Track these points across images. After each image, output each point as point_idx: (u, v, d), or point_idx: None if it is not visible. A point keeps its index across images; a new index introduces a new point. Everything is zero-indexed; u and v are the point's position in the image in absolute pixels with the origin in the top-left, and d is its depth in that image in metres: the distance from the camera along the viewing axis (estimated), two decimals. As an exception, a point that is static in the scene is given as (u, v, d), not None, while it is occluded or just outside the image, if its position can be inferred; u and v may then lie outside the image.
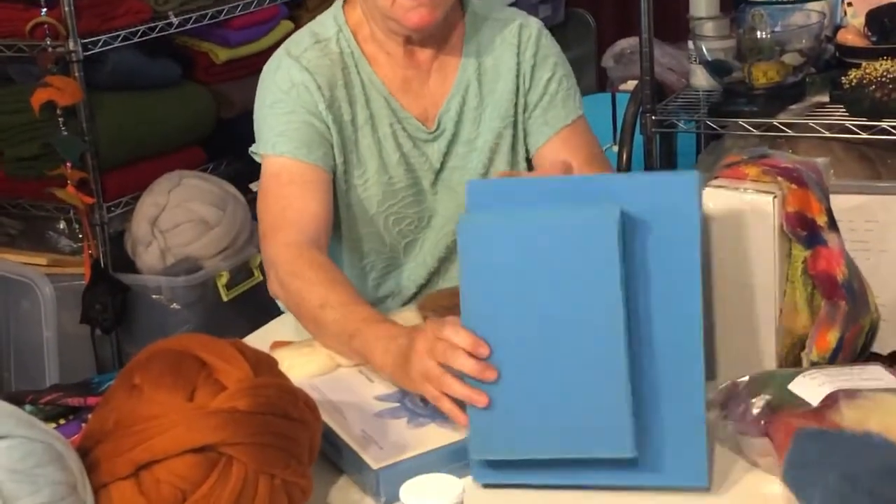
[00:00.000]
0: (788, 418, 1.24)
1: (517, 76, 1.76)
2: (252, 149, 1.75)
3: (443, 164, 1.76)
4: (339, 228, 1.76)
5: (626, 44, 3.23)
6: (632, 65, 3.16)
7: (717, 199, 1.43)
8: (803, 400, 1.26)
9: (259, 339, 1.71)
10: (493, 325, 1.25)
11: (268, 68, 1.75)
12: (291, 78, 1.70)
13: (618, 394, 1.21)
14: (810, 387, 1.27)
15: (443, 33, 1.75)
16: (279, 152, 1.68)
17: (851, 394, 1.23)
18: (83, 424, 1.36)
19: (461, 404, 1.29)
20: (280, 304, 1.76)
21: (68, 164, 2.66)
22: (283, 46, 1.75)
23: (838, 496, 1.11)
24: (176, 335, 2.62)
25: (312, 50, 1.72)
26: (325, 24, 1.76)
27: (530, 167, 1.81)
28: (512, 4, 4.01)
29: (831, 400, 1.24)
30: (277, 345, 1.66)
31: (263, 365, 1.26)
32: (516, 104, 1.77)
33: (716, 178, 1.47)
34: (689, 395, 1.24)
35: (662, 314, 1.24)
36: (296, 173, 1.67)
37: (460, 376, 1.28)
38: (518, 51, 1.77)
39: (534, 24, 1.81)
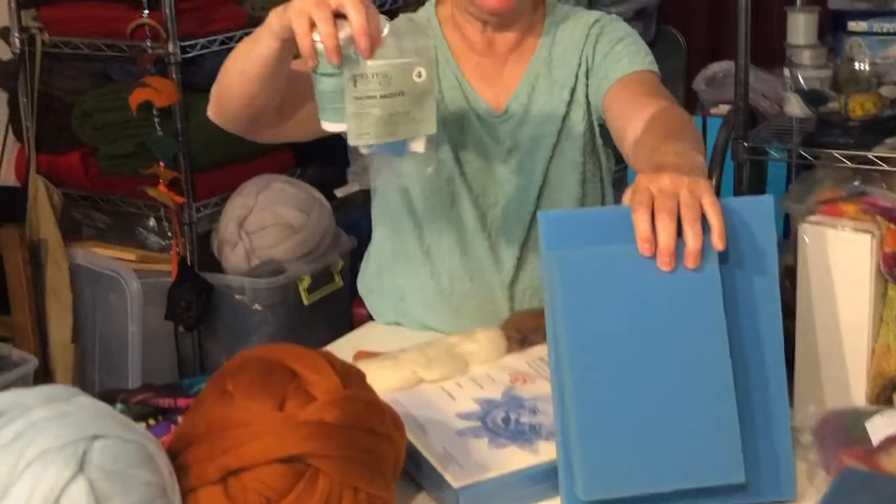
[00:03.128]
0: (847, 454, 1.25)
1: (581, 52, 1.79)
2: None
3: (511, 146, 1.80)
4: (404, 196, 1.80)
5: (719, 67, 3.20)
6: (724, 89, 3.12)
7: (814, 235, 1.42)
8: (869, 439, 1.25)
9: (342, 348, 1.73)
10: (599, 363, 1.24)
11: None
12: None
13: (727, 422, 1.23)
14: (881, 427, 1.26)
15: (522, 27, 1.81)
16: None
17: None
18: (172, 426, 1.38)
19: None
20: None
21: (161, 164, 2.71)
22: None
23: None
24: (258, 341, 2.80)
25: (407, 23, 1.81)
26: (419, 13, 1.87)
27: (603, 134, 1.82)
28: None
29: (889, 442, 1.22)
30: (361, 355, 1.68)
31: (352, 377, 1.27)
32: (577, 76, 1.79)
33: (813, 213, 1.46)
34: (776, 417, 1.26)
35: (748, 337, 1.25)
36: None
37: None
38: (587, 33, 1.81)
39: (610, 16, 1.86)
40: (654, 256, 1.20)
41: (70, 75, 2.92)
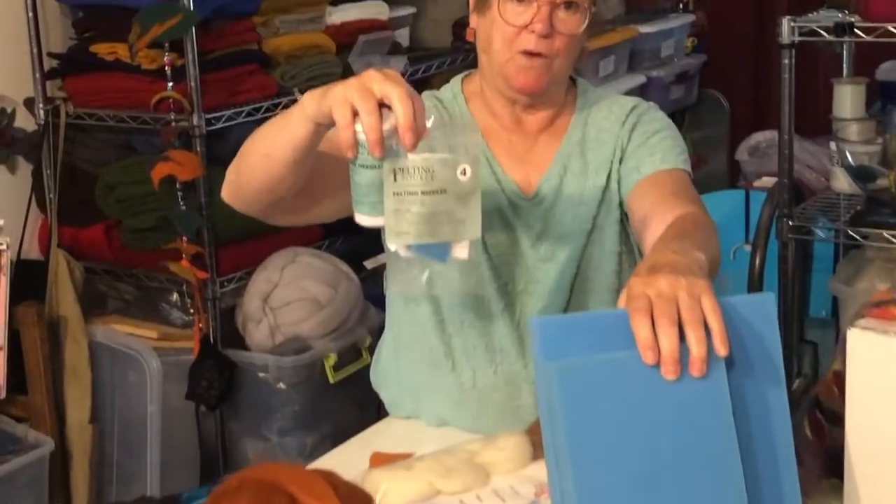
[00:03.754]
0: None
1: (617, 138, 1.73)
2: None
3: (541, 231, 1.72)
4: None
5: (762, 137, 3.09)
6: (767, 160, 3.02)
7: (863, 341, 1.30)
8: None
9: (356, 449, 1.66)
10: (604, 478, 1.15)
11: None
12: None
13: None
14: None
15: (553, 106, 1.74)
16: None
17: None
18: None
19: None
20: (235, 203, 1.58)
21: (184, 238, 2.64)
22: None
23: None
24: (283, 422, 2.70)
25: (430, 100, 1.75)
26: (444, 90, 1.80)
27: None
28: (644, 84, 3.96)
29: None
30: (377, 459, 1.58)
31: (356, 501, 1.17)
32: (612, 161, 1.72)
33: (862, 317, 1.34)
34: None
35: (759, 445, 1.18)
36: None
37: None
38: (624, 119, 1.74)
39: (647, 103, 1.79)
40: (657, 364, 1.12)
41: (94, 147, 2.86)
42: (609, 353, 1.15)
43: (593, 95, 1.79)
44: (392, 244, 1.26)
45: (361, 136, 1.23)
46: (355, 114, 1.22)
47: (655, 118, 1.75)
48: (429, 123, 1.25)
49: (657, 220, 1.49)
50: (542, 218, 1.72)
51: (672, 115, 4.24)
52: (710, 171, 4.07)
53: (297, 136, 1.35)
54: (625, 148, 1.72)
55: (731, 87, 4.36)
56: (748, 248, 2.69)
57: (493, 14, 1.66)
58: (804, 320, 2.59)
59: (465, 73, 1.82)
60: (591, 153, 1.73)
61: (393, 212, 1.24)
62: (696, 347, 1.11)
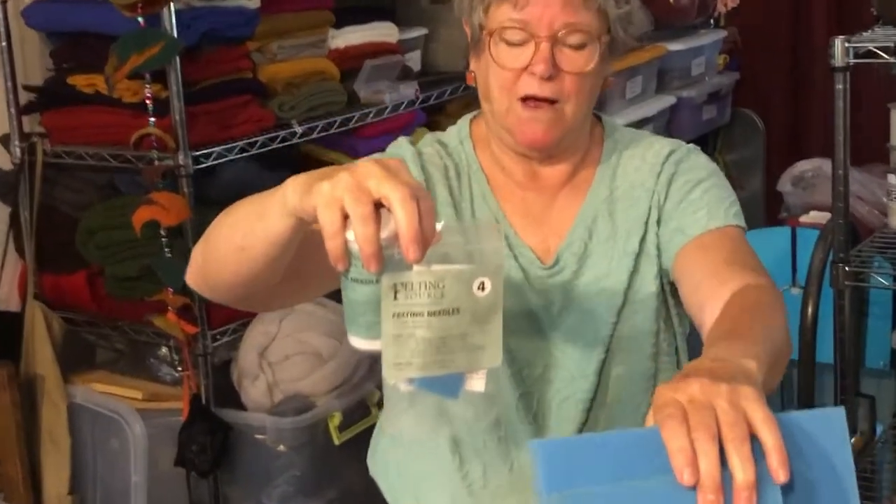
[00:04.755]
0: None
1: (652, 194, 1.46)
2: None
3: (562, 306, 1.45)
4: None
5: (809, 166, 2.83)
6: (814, 191, 2.76)
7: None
8: None
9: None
10: None
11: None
12: (401, 153, 1.48)
13: None
14: None
15: (574, 157, 1.48)
16: None
17: None
18: None
19: None
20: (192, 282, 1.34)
21: (170, 289, 2.39)
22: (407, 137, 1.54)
23: None
24: (284, 487, 2.45)
25: (432, 146, 1.51)
26: (449, 133, 1.55)
27: (675, 293, 1.45)
28: (675, 106, 3.73)
29: None
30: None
31: None
32: (646, 223, 1.45)
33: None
34: None
35: None
36: None
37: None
38: (659, 170, 1.47)
39: (687, 146, 1.52)
40: (693, 488, 0.84)
41: (75, 187, 2.63)
42: (629, 480, 0.89)
43: (623, 138, 1.52)
44: (391, 377, 1.00)
45: (354, 247, 0.99)
46: (346, 217, 0.97)
47: (696, 165, 1.49)
48: (439, 226, 1.00)
49: (712, 302, 1.23)
50: (562, 291, 1.45)
51: (704, 137, 4.06)
52: (746, 196, 3.83)
53: (276, 232, 1.10)
54: (662, 206, 1.46)
55: (767, 106, 4.16)
56: (796, 291, 2.43)
57: (486, 56, 1.41)
58: (859, 371, 2.32)
59: (475, 113, 1.56)
60: (620, 213, 1.47)
61: (393, 337, 0.99)
62: (743, 471, 0.83)
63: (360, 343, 1.05)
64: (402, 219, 0.95)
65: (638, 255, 1.45)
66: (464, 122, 1.56)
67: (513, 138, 1.43)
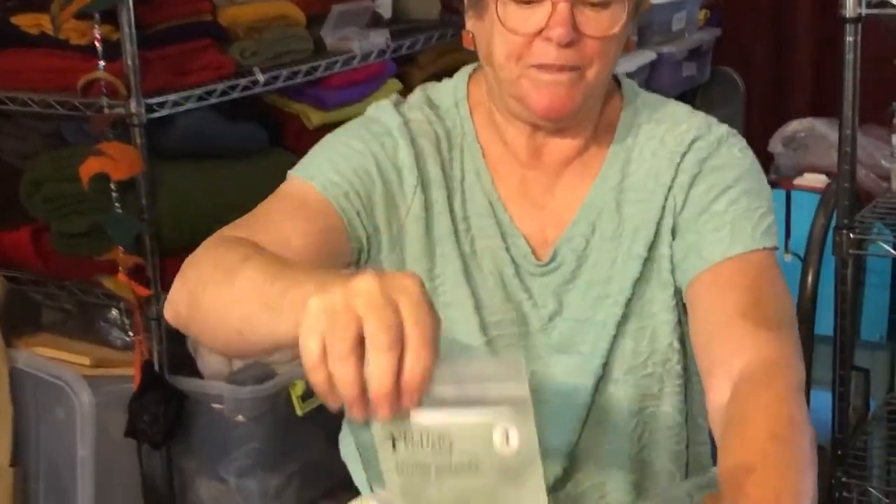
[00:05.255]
0: None
1: (668, 193, 1.26)
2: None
3: (555, 311, 1.27)
4: None
5: (800, 126, 2.68)
6: (807, 152, 2.62)
7: None
8: None
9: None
10: None
11: (367, 109, 1.34)
12: (387, 125, 1.27)
13: None
14: None
15: (586, 131, 1.28)
16: (307, 176, 1.25)
17: None
18: None
19: None
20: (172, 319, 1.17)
21: (120, 248, 2.22)
22: (393, 95, 1.34)
23: None
24: (243, 460, 2.31)
25: (422, 110, 1.30)
26: (443, 91, 1.33)
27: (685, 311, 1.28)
28: (655, 62, 3.60)
29: None
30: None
31: None
32: (658, 225, 1.26)
33: None
34: None
35: None
36: (301, 198, 1.22)
37: None
38: (679, 161, 1.27)
39: (717, 130, 1.30)
40: None
41: (19, 136, 2.46)
42: None
43: (644, 108, 1.32)
44: None
45: None
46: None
47: (725, 163, 1.27)
48: (444, 365, 0.83)
49: (719, 373, 1.12)
50: (556, 293, 1.28)
51: (683, 95, 3.93)
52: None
53: (284, 334, 0.91)
54: (679, 213, 1.26)
55: (748, 64, 4.01)
56: (789, 258, 2.30)
57: (491, 17, 1.22)
58: (854, 343, 2.19)
59: (474, 66, 1.35)
60: (629, 207, 1.28)
61: (401, 495, 0.83)
62: None
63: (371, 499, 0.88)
64: (371, 371, 0.79)
65: (647, 262, 1.26)
66: (461, 78, 1.35)
67: (524, 107, 1.23)
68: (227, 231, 1.18)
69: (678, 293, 1.27)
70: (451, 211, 1.27)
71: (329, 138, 1.31)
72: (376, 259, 1.26)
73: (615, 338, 1.26)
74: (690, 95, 4.03)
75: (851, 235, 1.92)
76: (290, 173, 1.28)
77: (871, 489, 1.97)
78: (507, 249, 1.27)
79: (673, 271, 1.27)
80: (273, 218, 1.20)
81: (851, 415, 2.20)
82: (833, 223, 1.99)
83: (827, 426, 2.07)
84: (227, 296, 1.00)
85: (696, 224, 1.24)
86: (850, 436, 2.11)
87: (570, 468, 1.30)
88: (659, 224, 1.27)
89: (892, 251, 1.95)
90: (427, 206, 1.26)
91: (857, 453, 2.18)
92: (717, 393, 1.12)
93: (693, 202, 1.25)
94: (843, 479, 1.95)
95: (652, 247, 1.26)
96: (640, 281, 1.26)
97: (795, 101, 3.81)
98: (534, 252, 1.28)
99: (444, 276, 1.27)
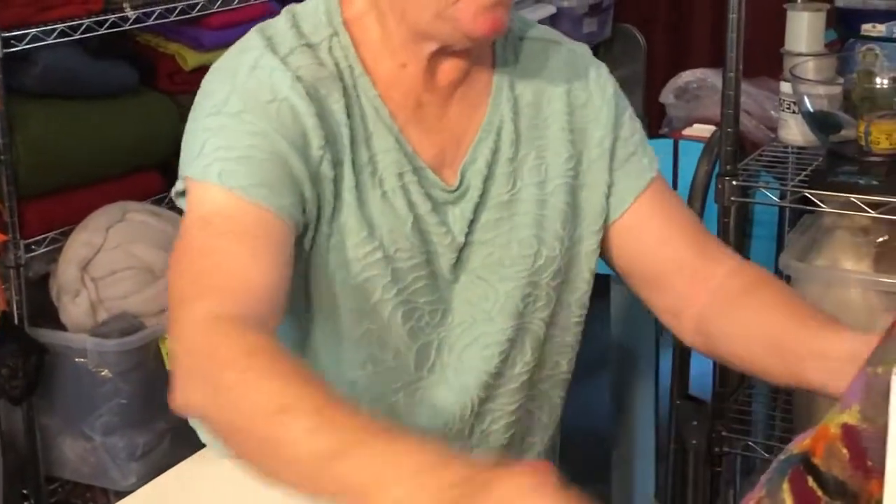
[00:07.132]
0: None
1: (569, 115, 1.26)
2: (182, 173, 1.16)
3: (467, 237, 1.21)
4: (317, 325, 1.20)
5: (692, 77, 2.63)
6: (697, 104, 2.57)
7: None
8: None
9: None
10: None
11: (237, 60, 1.16)
12: (274, 87, 1.13)
13: None
14: None
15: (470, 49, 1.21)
16: (227, 185, 1.10)
17: None
18: None
19: None
20: (194, 424, 1.21)
21: (-27, 191, 2.13)
22: (259, 33, 1.18)
23: None
24: (108, 416, 2.21)
25: (302, 54, 1.16)
26: (311, 17, 1.19)
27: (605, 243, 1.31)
28: (555, 16, 3.57)
29: None
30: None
31: None
32: (572, 149, 1.27)
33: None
34: None
35: None
36: (239, 221, 1.09)
37: None
38: (570, 86, 1.26)
39: (586, 52, 1.33)
40: None
41: None
42: None
43: (514, 31, 1.28)
44: None
45: None
46: None
47: (615, 91, 1.32)
48: None
49: (708, 282, 1.26)
50: (467, 221, 1.21)
51: None
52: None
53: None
54: (616, 133, 1.30)
55: (648, 21, 4.01)
56: (677, 210, 2.24)
57: None
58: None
59: None
60: (525, 127, 1.24)
61: None
62: None
63: None
64: None
65: (555, 188, 1.25)
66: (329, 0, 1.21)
67: (456, 28, 1.13)
68: (199, 309, 1.04)
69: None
70: (358, 155, 1.16)
71: (213, 122, 1.14)
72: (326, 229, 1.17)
73: (531, 275, 1.25)
74: (592, 52, 4.01)
75: (734, 182, 1.87)
76: (191, 178, 1.13)
77: (751, 443, 1.92)
78: (419, 182, 1.18)
79: (608, 204, 1.29)
80: (232, 265, 1.08)
81: (733, 374, 2.16)
82: (717, 171, 1.94)
83: (709, 381, 2.02)
84: (267, 464, 0.95)
85: (614, 158, 1.29)
86: (732, 390, 2.06)
87: (483, 405, 1.25)
88: (571, 144, 1.27)
89: (777, 200, 1.90)
90: (341, 158, 1.16)
91: (741, 408, 2.14)
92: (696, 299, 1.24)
93: (626, 124, 1.30)
94: (724, 434, 1.91)
95: (579, 161, 1.27)
96: (546, 200, 1.25)
97: (694, 58, 3.80)
98: (442, 178, 1.20)
99: (361, 219, 1.16)
